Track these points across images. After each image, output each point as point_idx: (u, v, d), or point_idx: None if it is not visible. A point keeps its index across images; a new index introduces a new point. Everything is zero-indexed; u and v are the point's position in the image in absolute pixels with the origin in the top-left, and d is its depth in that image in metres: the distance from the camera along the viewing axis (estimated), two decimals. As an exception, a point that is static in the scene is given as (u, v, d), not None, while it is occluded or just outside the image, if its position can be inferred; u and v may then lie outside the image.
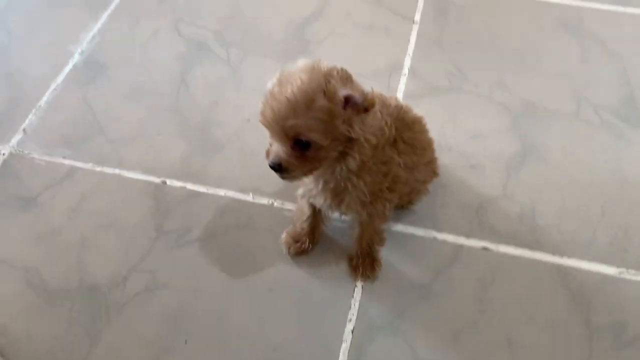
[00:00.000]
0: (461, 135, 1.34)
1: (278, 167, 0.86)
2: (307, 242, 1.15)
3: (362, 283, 1.13)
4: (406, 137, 0.98)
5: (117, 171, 1.30)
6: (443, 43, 1.53)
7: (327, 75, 0.82)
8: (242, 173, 1.29)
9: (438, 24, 1.58)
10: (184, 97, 1.43)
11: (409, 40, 1.54)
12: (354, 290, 1.12)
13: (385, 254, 1.16)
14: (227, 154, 1.32)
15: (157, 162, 1.31)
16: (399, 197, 1.05)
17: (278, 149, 0.86)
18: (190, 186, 1.27)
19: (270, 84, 0.84)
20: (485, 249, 1.17)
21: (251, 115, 1.38)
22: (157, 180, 1.28)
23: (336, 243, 1.18)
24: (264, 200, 1.24)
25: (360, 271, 1.12)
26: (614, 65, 1.47)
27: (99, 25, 1.59)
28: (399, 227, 1.20)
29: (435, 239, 1.19)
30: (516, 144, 1.32)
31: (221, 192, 1.26)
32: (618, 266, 1.14)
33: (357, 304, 1.10)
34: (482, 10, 1.62)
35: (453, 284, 1.12)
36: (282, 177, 0.89)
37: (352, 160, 0.89)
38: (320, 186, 0.96)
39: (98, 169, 1.30)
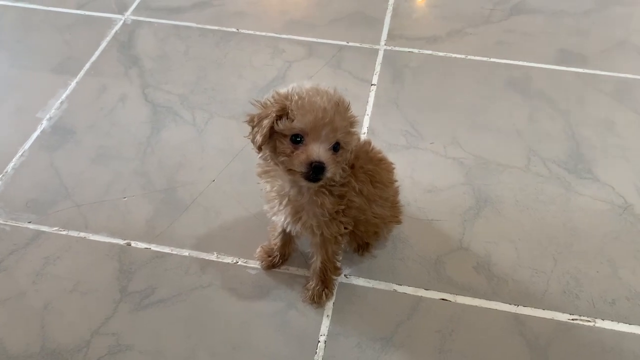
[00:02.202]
0: (419, 190, 1.39)
1: (323, 166, 0.92)
2: (278, 257, 1.23)
3: (309, 303, 1.18)
4: (367, 169, 1.07)
5: (82, 234, 1.31)
6: (399, 103, 1.61)
7: None
8: (207, 233, 1.31)
9: (394, 86, 1.67)
10: (150, 160, 1.46)
11: (367, 102, 1.61)
12: (316, 346, 1.13)
13: (346, 306, 1.19)
14: (192, 214, 1.35)
15: (122, 225, 1.33)
16: (354, 227, 1.12)
17: (320, 149, 0.92)
18: (154, 247, 1.29)
19: (293, 91, 0.93)
20: (444, 300, 1.20)
21: (216, 176, 1.42)
22: (121, 242, 1.30)
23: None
24: (228, 259, 1.27)
25: (310, 294, 1.18)
26: (560, 122, 1.57)
27: (67, 91, 1.64)
28: (360, 281, 1.23)
29: (395, 291, 1.22)
30: (471, 198, 1.38)
31: (185, 252, 1.28)
32: (571, 313, 1.19)
33: (320, 360, 1.12)
34: (436, 72, 1.72)
35: (413, 336, 1.15)
36: (316, 179, 0.93)
37: (339, 169, 0.98)
38: (284, 203, 1.04)
39: (63, 232, 1.31)
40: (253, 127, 0.96)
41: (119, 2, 1.94)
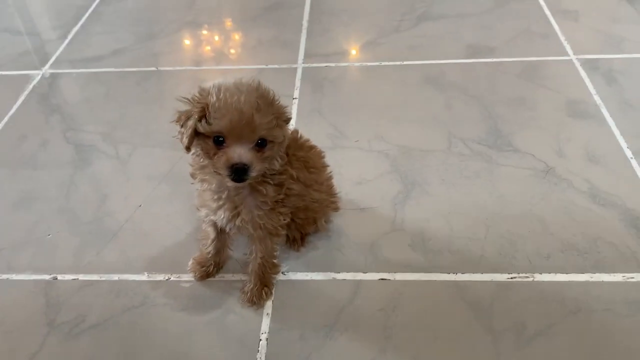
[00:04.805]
0: (348, 184, 1.40)
1: (245, 167, 0.91)
2: (212, 266, 1.19)
3: (249, 305, 1.14)
4: (299, 156, 1.08)
5: (4, 277, 1.25)
6: (322, 111, 1.65)
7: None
8: (136, 255, 1.27)
9: (315, 97, 1.70)
10: (74, 197, 1.43)
11: (291, 114, 1.63)
12: (258, 344, 1.09)
13: (286, 302, 1.15)
14: (120, 240, 1.31)
15: (48, 261, 1.27)
16: (294, 215, 1.13)
17: (241, 150, 0.91)
18: (82, 277, 1.23)
19: (213, 89, 0.91)
20: (383, 279, 1.19)
21: (143, 201, 1.40)
22: (47, 277, 1.24)
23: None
24: (160, 277, 1.22)
25: (249, 296, 1.14)
26: (475, 106, 1.63)
27: (-16, 146, 1.60)
28: (299, 275, 1.21)
29: (334, 279, 1.20)
30: (398, 184, 1.40)
31: (115, 277, 1.23)
32: (509, 272, 1.19)
33: (263, 358, 1.07)
34: (353, 80, 1.77)
35: (357, 318, 1.12)
36: (241, 180, 0.93)
37: (275, 162, 0.99)
38: (223, 198, 1.02)
39: (-16, 278, 1.25)
40: (181, 127, 0.95)
41: (41, 57, 1.94)
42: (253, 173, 0.93)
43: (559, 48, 1.83)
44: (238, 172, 0.91)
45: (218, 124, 0.90)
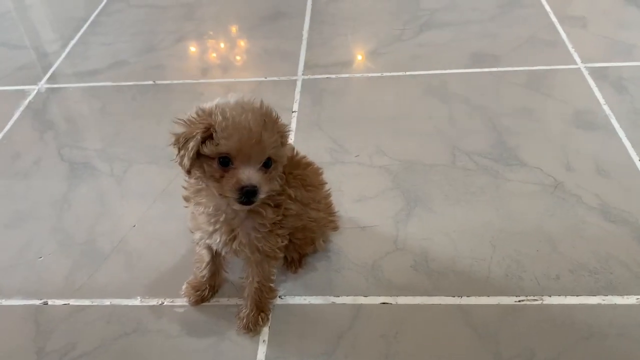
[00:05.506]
0: (347, 201, 1.35)
1: (255, 189, 0.87)
2: (207, 290, 1.15)
3: (245, 332, 1.10)
4: (296, 174, 1.04)
5: (-6, 302, 1.21)
6: (321, 124, 1.60)
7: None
8: (129, 279, 1.23)
9: (315, 109, 1.66)
10: (67, 216, 1.39)
11: (290, 127, 1.59)
12: (254, 374, 1.05)
13: (283, 328, 1.11)
14: (113, 262, 1.27)
15: (38, 285, 1.24)
16: (291, 236, 1.08)
17: (250, 171, 0.87)
18: (73, 302, 1.19)
19: (216, 109, 0.87)
20: (384, 303, 1.14)
21: (137, 221, 1.36)
22: (38, 302, 1.20)
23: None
24: (153, 302, 1.18)
25: (245, 323, 1.09)
26: (480, 117, 1.57)
27: (-22, 165, 1.57)
28: (296, 300, 1.16)
29: (333, 303, 1.15)
30: (400, 200, 1.35)
31: (107, 301, 1.19)
32: (517, 295, 1.13)
33: (259, 388, 1.03)
34: (354, 92, 1.72)
35: (357, 345, 1.07)
36: (250, 202, 0.89)
37: (276, 182, 0.95)
38: (220, 222, 0.97)
39: (-27, 303, 1.21)
40: (179, 149, 0.90)
41: (38, 72, 1.91)
42: (262, 195, 0.90)
43: (566, 56, 1.78)
44: (248, 194, 0.88)
45: (226, 144, 0.86)
